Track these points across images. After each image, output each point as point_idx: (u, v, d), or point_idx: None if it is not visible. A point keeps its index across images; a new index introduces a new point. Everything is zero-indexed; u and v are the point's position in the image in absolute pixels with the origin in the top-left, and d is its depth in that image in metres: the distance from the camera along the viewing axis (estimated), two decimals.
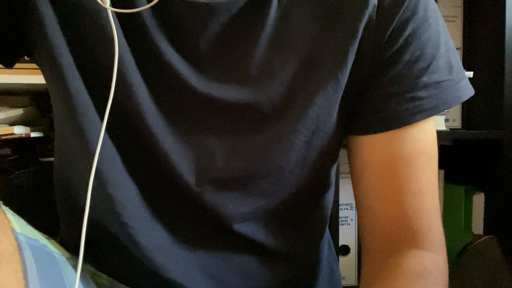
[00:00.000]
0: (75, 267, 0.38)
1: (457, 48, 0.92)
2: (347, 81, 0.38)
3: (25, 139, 0.74)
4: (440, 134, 0.81)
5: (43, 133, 0.77)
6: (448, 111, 0.91)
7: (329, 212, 0.51)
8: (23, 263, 0.29)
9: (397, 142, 0.39)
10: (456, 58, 0.41)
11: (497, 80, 0.82)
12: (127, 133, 0.38)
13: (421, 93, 0.38)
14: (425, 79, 0.38)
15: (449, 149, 0.94)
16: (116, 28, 0.35)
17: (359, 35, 0.37)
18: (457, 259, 0.79)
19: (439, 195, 0.91)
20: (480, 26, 0.89)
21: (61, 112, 0.39)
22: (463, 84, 0.40)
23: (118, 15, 0.36)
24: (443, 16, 0.93)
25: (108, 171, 0.38)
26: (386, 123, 0.39)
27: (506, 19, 0.80)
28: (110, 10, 0.33)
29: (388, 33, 0.38)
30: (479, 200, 0.87)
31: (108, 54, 0.34)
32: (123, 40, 0.36)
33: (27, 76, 0.71)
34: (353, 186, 0.44)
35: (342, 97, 0.39)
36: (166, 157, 0.38)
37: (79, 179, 0.40)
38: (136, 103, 0.37)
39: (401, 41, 0.38)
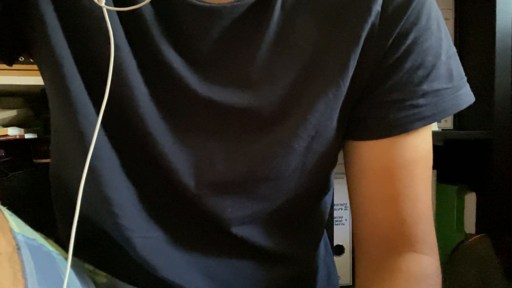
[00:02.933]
0: (72, 266, 0.38)
1: None
2: (348, 87, 0.38)
3: (19, 141, 0.74)
4: (432, 134, 0.82)
5: (37, 135, 0.76)
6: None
7: (327, 215, 0.51)
8: (22, 262, 0.29)
9: (396, 149, 0.39)
10: (458, 65, 0.41)
11: (488, 82, 0.83)
12: (126, 134, 0.38)
13: (421, 101, 0.38)
14: (425, 87, 0.38)
15: (441, 149, 0.95)
16: (118, 30, 0.35)
17: (362, 41, 0.37)
18: (449, 257, 0.80)
19: (431, 195, 0.91)
20: (471, 28, 0.90)
21: (59, 112, 0.39)
22: (463, 91, 0.40)
23: (120, 18, 0.36)
24: None
25: (106, 172, 0.38)
26: (386, 130, 0.39)
27: (496, 21, 0.81)
28: (105, 8, 0.32)
29: (391, 40, 0.38)
30: (471, 200, 0.88)
31: (108, 55, 0.34)
32: (125, 42, 0.36)
33: (21, 77, 0.71)
34: (349, 190, 0.44)
35: (343, 103, 0.39)
36: (166, 159, 0.38)
37: (76, 179, 0.39)
38: (136, 105, 0.37)
39: (403, 49, 0.38)
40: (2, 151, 0.74)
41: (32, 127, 0.79)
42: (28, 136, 0.74)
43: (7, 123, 0.76)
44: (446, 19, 0.94)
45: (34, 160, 0.80)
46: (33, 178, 0.76)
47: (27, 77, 0.71)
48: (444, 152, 0.95)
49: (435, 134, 0.82)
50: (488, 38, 0.83)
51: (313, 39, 0.38)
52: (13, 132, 0.72)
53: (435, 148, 0.99)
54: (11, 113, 0.76)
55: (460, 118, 0.93)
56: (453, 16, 0.94)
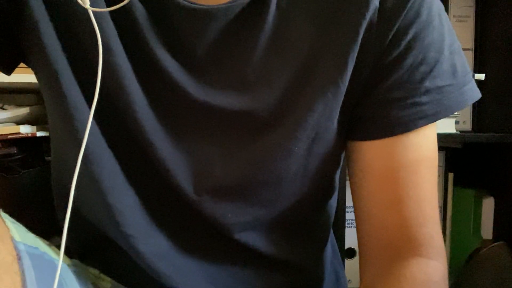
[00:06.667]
0: (75, 273, 0.38)
1: (468, 49, 0.91)
2: (348, 87, 0.38)
3: (31, 139, 0.74)
4: (450, 136, 0.80)
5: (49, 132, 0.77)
6: (458, 114, 0.89)
7: (332, 218, 0.50)
8: (22, 272, 0.29)
9: (398, 149, 0.38)
10: (462, 61, 0.40)
11: (509, 82, 0.80)
12: (126, 140, 0.38)
13: (423, 99, 0.37)
14: (427, 84, 0.37)
15: (459, 152, 0.93)
16: (112, 35, 0.35)
17: (360, 39, 0.36)
18: (465, 265, 0.78)
19: (448, 199, 0.89)
20: (492, 26, 0.88)
21: (56, 117, 0.39)
22: (468, 87, 0.39)
23: (114, 23, 0.35)
24: (455, 16, 0.91)
25: (107, 179, 0.37)
26: (387, 129, 0.38)
27: None
28: (90, 10, 0.32)
29: (390, 36, 0.36)
30: (488, 204, 0.86)
31: (103, 59, 0.34)
32: (120, 47, 0.35)
33: (33, 75, 0.71)
34: (352, 192, 0.43)
35: (343, 103, 0.38)
36: (164, 165, 0.38)
37: (77, 185, 0.39)
38: (133, 110, 0.36)
39: (403, 45, 0.37)
40: (14, 148, 0.74)
41: (44, 124, 0.80)
42: (40, 134, 0.74)
43: (20, 120, 0.77)
44: (466, 16, 0.91)
45: (46, 158, 0.81)
46: (45, 176, 0.76)
47: None
48: (462, 155, 0.93)
49: (453, 136, 0.80)
50: (510, 37, 0.81)
51: (309, 38, 0.37)
52: (25, 130, 0.72)
53: (453, 151, 0.96)
54: (23, 111, 0.77)
55: (479, 120, 0.91)
56: (474, 13, 0.91)
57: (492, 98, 0.81)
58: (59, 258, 0.30)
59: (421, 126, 0.38)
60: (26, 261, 0.30)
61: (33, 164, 0.76)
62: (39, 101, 0.85)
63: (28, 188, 0.74)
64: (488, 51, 0.88)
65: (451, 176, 0.87)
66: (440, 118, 0.38)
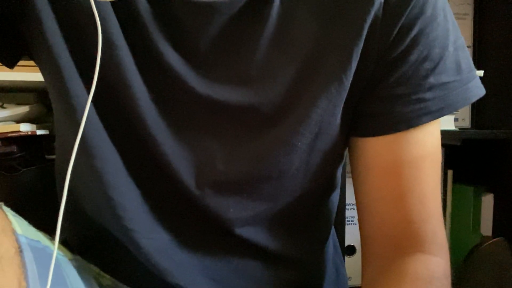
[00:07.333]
0: (77, 268, 0.38)
1: (467, 47, 0.91)
2: (351, 82, 0.37)
3: (31, 137, 0.74)
4: (449, 133, 0.80)
5: (49, 131, 0.77)
6: (457, 111, 0.90)
7: (334, 214, 0.50)
8: (24, 265, 0.29)
9: (402, 145, 0.38)
10: (467, 57, 0.39)
11: (508, 79, 0.80)
12: (128, 135, 0.38)
13: (427, 95, 0.37)
14: (431, 80, 0.37)
15: (458, 148, 0.93)
16: (116, 30, 0.35)
17: (364, 34, 0.36)
18: (465, 261, 0.78)
19: (447, 196, 0.89)
20: (491, 23, 0.88)
21: (60, 112, 0.39)
22: (473, 84, 0.39)
23: (118, 17, 0.35)
24: (454, 14, 0.92)
25: (109, 173, 0.37)
26: (391, 125, 0.38)
27: None
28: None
29: (395, 32, 0.36)
30: (488, 201, 0.86)
31: (106, 54, 0.34)
32: (123, 41, 0.35)
33: (33, 73, 0.71)
34: (354, 188, 0.43)
35: (346, 98, 0.38)
36: (167, 159, 0.38)
37: (79, 180, 0.39)
38: (136, 105, 0.36)
39: (408, 40, 0.36)
40: (14, 147, 0.74)
41: (44, 123, 0.80)
42: (40, 132, 0.74)
43: (20, 119, 0.77)
44: (465, 14, 0.91)
45: (46, 156, 0.81)
46: (46, 174, 0.76)
47: (39, 73, 0.71)
48: (462, 152, 0.93)
49: (452, 133, 0.80)
50: (509, 34, 0.81)
51: (313, 33, 0.37)
52: (25, 128, 0.72)
53: (452, 147, 0.96)
54: (23, 109, 0.77)
55: (478, 117, 0.91)
56: (473, 11, 0.91)
57: (491, 95, 0.81)
58: (54, 246, 0.30)
59: (425, 123, 0.37)
60: (28, 254, 0.30)
61: (33, 162, 0.76)
62: (39, 100, 0.85)
63: (28, 186, 0.74)
64: (487, 48, 0.89)
65: (450, 173, 0.88)
66: (445, 115, 0.38)
